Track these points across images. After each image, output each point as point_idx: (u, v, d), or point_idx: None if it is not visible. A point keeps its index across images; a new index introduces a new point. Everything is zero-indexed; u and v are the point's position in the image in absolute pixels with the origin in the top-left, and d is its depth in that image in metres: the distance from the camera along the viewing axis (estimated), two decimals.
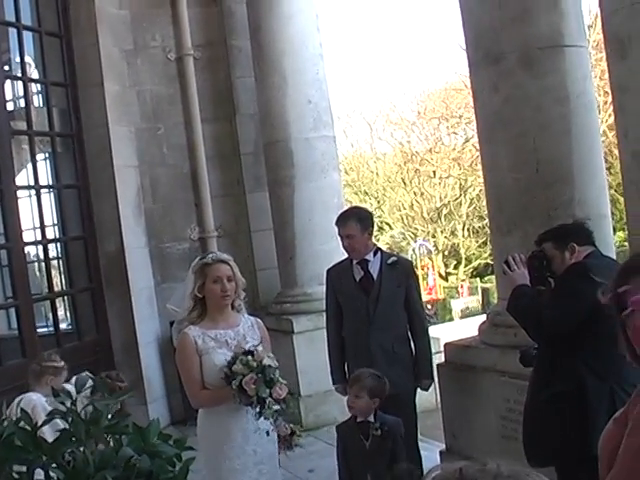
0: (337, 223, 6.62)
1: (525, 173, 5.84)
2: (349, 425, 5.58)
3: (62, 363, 6.26)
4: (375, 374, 5.56)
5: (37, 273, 12.33)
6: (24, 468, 3.09)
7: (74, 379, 6.38)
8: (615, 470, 2.34)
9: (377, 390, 5.42)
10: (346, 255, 6.71)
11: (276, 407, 4.64)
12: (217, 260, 5.05)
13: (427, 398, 7.53)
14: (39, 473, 3.09)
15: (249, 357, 4.68)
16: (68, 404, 3.19)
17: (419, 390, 6.66)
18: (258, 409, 4.64)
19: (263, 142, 10.15)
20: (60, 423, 3.37)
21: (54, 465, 3.06)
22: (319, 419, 8.98)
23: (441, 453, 6.78)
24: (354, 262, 6.57)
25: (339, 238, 6.63)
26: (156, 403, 9.60)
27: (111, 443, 3.15)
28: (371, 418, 5.41)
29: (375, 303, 6.46)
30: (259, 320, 5.35)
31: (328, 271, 6.94)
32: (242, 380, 4.60)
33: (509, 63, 5.86)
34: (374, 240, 6.87)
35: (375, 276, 6.49)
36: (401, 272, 6.51)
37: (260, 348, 4.88)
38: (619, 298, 2.45)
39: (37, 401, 5.72)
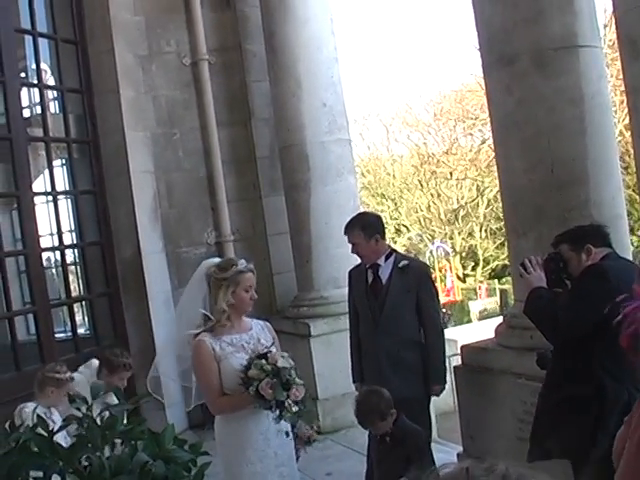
0: (344, 231, 6.66)
1: (540, 174, 5.82)
2: None
3: (66, 375, 6.14)
4: (361, 395, 5.57)
5: (55, 279, 12.38)
6: (41, 473, 3.10)
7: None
8: (620, 470, 2.36)
9: (369, 412, 5.42)
10: None
11: (295, 408, 4.64)
12: (249, 269, 5.06)
13: (445, 400, 7.52)
14: (56, 478, 3.11)
15: (263, 361, 4.67)
16: (84, 409, 3.20)
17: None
18: (277, 412, 4.65)
19: (279, 146, 10.16)
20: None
21: (70, 470, 3.07)
22: (336, 422, 8.97)
23: (458, 455, 6.76)
24: (367, 266, 6.60)
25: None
26: (174, 407, 9.58)
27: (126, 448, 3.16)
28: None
29: (381, 308, 6.48)
30: (267, 323, 5.36)
31: (350, 272, 6.98)
32: (258, 385, 4.60)
33: (523, 64, 5.84)
34: (391, 243, 6.87)
35: (384, 281, 6.51)
36: (412, 276, 6.48)
37: (274, 349, 4.89)
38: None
39: (29, 413, 5.66)
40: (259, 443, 4.88)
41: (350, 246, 6.62)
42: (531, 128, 5.85)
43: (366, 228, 6.50)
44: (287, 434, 4.92)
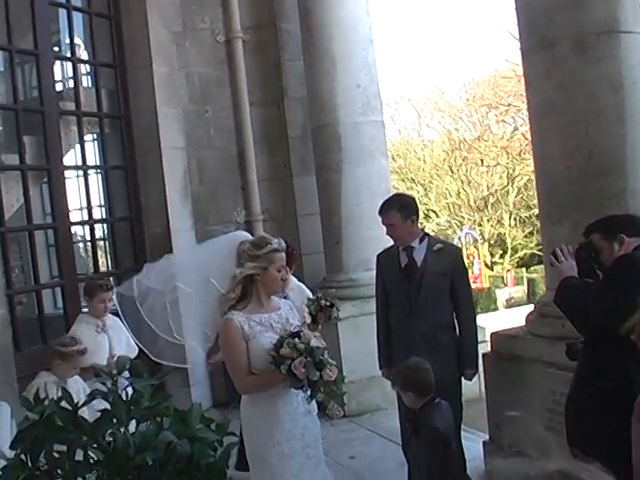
0: (379, 212, 6.54)
1: (577, 161, 5.72)
2: None
3: (74, 348, 6.19)
4: (408, 365, 5.41)
5: (83, 253, 12.41)
6: (65, 447, 3.07)
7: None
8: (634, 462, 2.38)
9: (408, 383, 5.29)
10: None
11: (328, 389, 4.59)
12: (283, 248, 5.00)
13: (471, 388, 7.43)
14: (79, 453, 3.08)
15: (296, 340, 4.60)
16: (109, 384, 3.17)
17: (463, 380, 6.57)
18: (309, 392, 4.59)
19: (311, 126, 10.11)
20: None
21: (94, 446, 3.04)
22: (362, 406, 8.94)
23: (484, 444, 6.70)
24: (400, 248, 6.50)
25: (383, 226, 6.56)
26: (199, 385, 9.62)
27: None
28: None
29: (417, 290, 6.37)
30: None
31: (378, 256, 6.87)
32: (291, 364, 4.53)
33: (563, 49, 5.74)
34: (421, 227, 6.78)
35: (419, 263, 6.42)
36: (447, 259, 6.38)
37: (305, 329, 4.83)
38: None
39: (40, 384, 5.70)
40: (286, 424, 4.83)
41: (382, 228, 6.54)
42: (570, 114, 5.75)
43: (403, 209, 6.41)
44: (319, 415, 4.90)
